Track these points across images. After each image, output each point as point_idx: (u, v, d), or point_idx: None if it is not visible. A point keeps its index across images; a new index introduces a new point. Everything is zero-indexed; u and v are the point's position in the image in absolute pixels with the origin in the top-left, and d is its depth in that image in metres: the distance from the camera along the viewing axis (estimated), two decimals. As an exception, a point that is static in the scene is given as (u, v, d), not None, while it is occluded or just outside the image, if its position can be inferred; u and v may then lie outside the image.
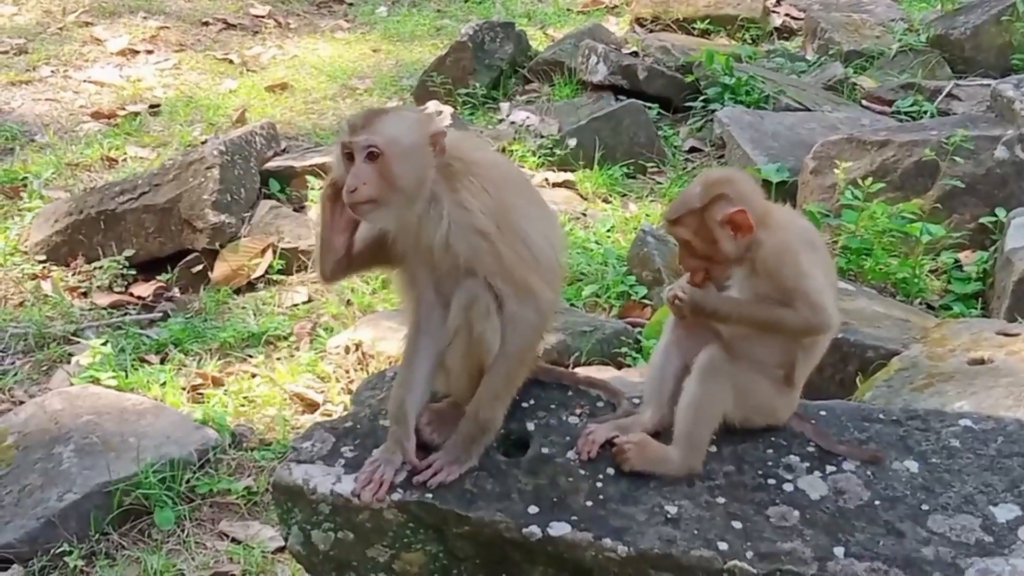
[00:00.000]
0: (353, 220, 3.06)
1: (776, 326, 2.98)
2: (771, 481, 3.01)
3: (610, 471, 3.04)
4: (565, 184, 6.84)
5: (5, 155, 7.46)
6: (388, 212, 2.98)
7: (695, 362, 3.03)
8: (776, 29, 9.76)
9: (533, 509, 2.93)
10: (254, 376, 5.20)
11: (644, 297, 5.53)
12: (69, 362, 5.33)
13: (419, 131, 2.98)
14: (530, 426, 3.19)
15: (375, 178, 2.91)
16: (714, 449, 3.09)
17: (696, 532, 2.86)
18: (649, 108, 7.73)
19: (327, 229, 3.10)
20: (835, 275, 3.25)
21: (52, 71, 8.82)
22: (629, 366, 4.97)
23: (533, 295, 3.03)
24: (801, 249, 3.00)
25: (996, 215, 5.88)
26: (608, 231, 6.29)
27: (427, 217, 2.99)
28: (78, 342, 5.49)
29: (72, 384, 5.03)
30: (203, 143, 7.39)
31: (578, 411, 3.26)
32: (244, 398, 5.03)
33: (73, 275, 6.14)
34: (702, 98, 7.87)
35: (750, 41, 9.38)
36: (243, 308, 5.77)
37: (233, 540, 4.23)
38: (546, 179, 6.88)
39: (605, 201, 6.73)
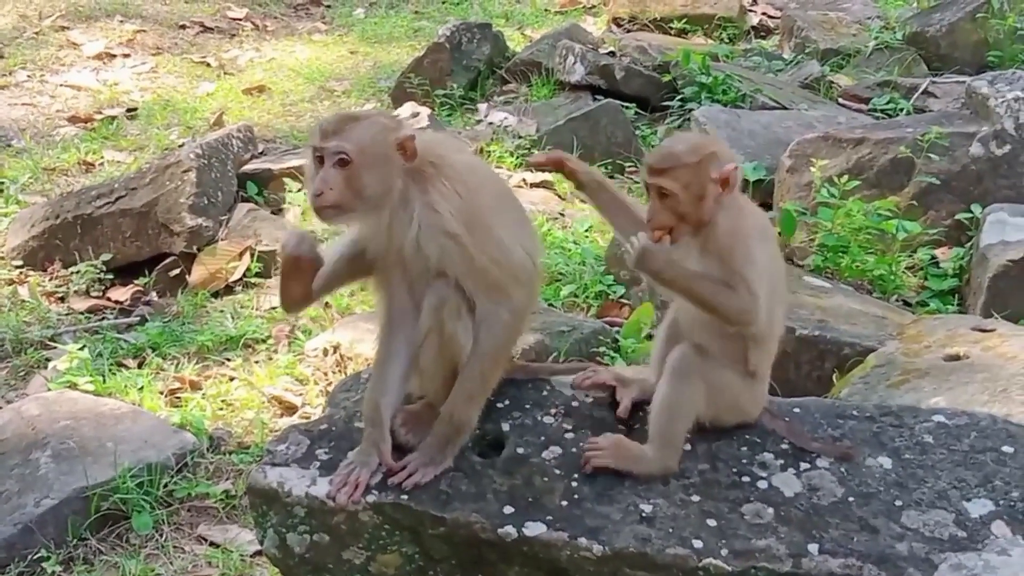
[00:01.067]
0: (311, 270, 3.13)
1: (711, 304, 2.97)
2: (745, 479, 3.02)
3: (586, 470, 3.04)
4: (543, 184, 6.84)
5: (-19, 160, 7.45)
6: (352, 217, 3.03)
7: (667, 361, 3.04)
8: (753, 28, 9.78)
9: (508, 509, 2.93)
10: (232, 379, 5.19)
11: (622, 297, 5.54)
12: (46, 367, 5.32)
13: (389, 138, 2.98)
14: (505, 426, 3.19)
15: (342, 184, 2.94)
16: (688, 447, 3.10)
17: (671, 530, 2.87)
18: (627, 108, 7.75)
19: (285, 282, 3.19)
20: (782, 275, 3.24)
21: (28, 75, 8.80)
22: (607, 365, 4.97)
23: (506, 296, 3.04)
24: (756, 236, 3.01)
25: (972, 211, 5.91)
26: (586, 231, 6.30)
27: (397, 219, 3.01)
28: (55, 347, 5.47)
29: (49, 389, 5.02)
30: (180, 146, 7.38)
31: (553, 411, 3.25)
32: (222, 402, 5.03)
33: (50, 280, 6.13)
34: (679, 97, 7.89)
35: (727, 40, 9.41)
36: (221, 311, 5.76)
37: (211, 544, 4.22)
38: (524, 179, 6.88)
39: (583, 201, 6.72)
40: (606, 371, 3.30)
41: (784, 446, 3.11)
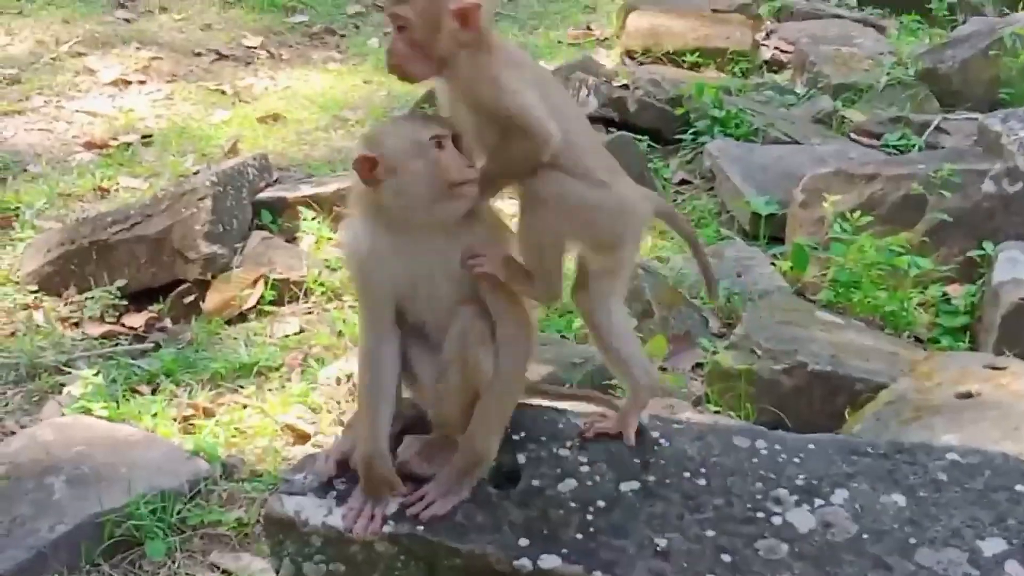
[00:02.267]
0: None
1: (511, 163, 3.01)
2: (760, 514, 3.03)
3: (601, 503, 3.06)
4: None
5: (-3, 185, 7.49)
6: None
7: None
8: (765, 62, 9.82)
9: (524, 541, 2.95)
10: (245, 407, 5.21)
11: (634, 329, 5.55)
12: (60, 392, 5.33)
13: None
14: (521, 458, 3.21)
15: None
16: (703, 483, 3.12)
17: (686, 565, 2.88)
18: (639, 140, 7.77)
19: None
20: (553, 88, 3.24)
21: (45, 101, 8.84)
22: (619, 397, 4.97)
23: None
24: (505, 66, 3.00)
25: (984, 249, 5.91)
26: (598, 263, 6.31)
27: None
28: (70, 372, 5.49)
29: (63, 414, 5.03)
30: (195, 173, 7.42)
31: (568, 444, 3.28)
32: (235, 429, 5.04)
33: (65, 305, 6.14)
34: (692, 130, 7.92)
35: (740, 74, 9.44)
36: (235, 339, 5.78)
37: (224, 572, 4.22)
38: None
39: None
40: (610, 421, 3.32)
41: (799, 482, 3.12)
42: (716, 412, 4.95)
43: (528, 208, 3.04)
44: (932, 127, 7.84)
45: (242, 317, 5.99)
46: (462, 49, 2.96)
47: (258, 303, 6.01)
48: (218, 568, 4.25)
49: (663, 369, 5.26)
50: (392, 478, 3.08)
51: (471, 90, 2.98)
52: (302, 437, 4.99)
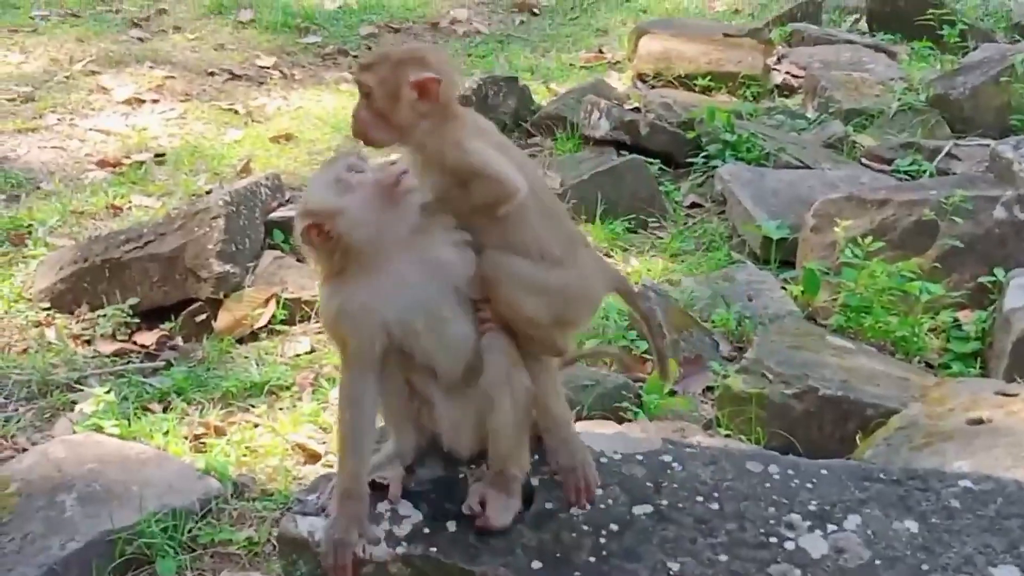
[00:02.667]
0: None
1: (474, 203, 3.01)
2: (772, 539, 3.04)
3: (614, 527, 3.06)
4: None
5: (11, 202, 7.50)
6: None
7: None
8: (777, 87, 9.83)
9: (536, 564, 2.96)
10: (256, 426, 5.22)
11: (645, 352, 5.56)
12: (72, 410, 5.35)
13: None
14: (534, 481, 3.21)
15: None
16: (716, 507, 3.12)
17: (698, 589, 2.89)
18: (651, 163, 7.79)
19: None
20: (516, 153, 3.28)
21: (58, 119, 8.88)
22: (630, 420, 5.00)
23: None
24: (468, 134, 3.03)
25: (995, 275, 5.92)
26: (610, 286, 6.31)
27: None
28: (81, 390, 5.51)
29: (75, 432, 5.05)
30: (207, 193, 7.45)
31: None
32: (246, 448, 5.05)
33: (77, 323, 6.16)
34: (703, 154, 7.93)
35: (751, 98, 9.45)
36: (246, 358, 5.80)
37: (234, 590, 4.24)
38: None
39: (607, 255, 6.77)
40: None
41: (812, 507, 3.13)
42: (727, 436, 4.95)
43: (489, 290, 3.04)
44: (943, 153, 7.85)
45: (253, 336, 6.01)
46: (423, 119, 3.00)
47: (269, 322, 6.03)
48: (228, 587, 4.26)
49: (673, 393, 5.27)
50: (363, 519, 3.07)
51: (436, 156, 2.99)
52: (313, 457, 4.99)
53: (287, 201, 7.11)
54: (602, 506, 3.13)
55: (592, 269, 3.25)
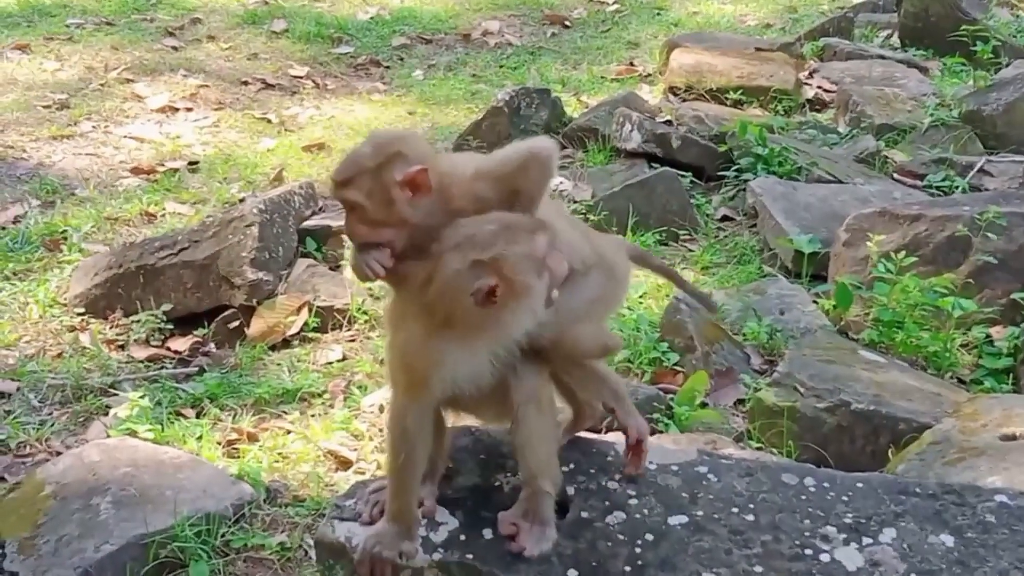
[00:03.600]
0: None
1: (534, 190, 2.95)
2: (808, 551, 3.04)
3: (649, 537, 3.07)
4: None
5: (46, 208, 7.57)
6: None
7: None
8: (808, 101, 9.81)
9: (572, 573, 2.97)
10: (289, 432, 5.25)
11: (676, 364, 5.56)
12: (106, 414, 5.39)
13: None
14: (570, 490, 3.22)
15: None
16: (752, 518, 3.12)
17: (734, 600, 2.89)
18: (682, 176, 7.79)
19: None
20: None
21: (93, 126, 8.96)
22: (661, 432, 5.00)
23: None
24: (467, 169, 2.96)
25: (1027, 291, 5.91)
26: (640, 297, 6.33)
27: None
28: (115, 394, 5.55)
29: (109, 436, 5.09)
30: (241, 200, 7.50)
31: (617, 477, 3.29)
32: (279, 454, 5.08)
33: (111, 328, 6.21)
34: (735, 168, 7.92)
35: (782, 112, 9.44)
36: (278, 365, 5.83)
37: (266, 595, 4.26)
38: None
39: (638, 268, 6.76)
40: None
41: (847, 520, 3.13)
42: (758, 448, 4.95)
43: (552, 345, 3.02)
44: (976, 169, 7.83)
45: (286, 343, 6.04)
46: (425, 203, 2.88)
47: (302, 330, 6.06)
48: (261, 592, 4.28)
49: (704, 405, 5.27)
50: (409, 539, 3.05)
51: (461, 210, 2.88)
52: (344, 463, 5.02)
53: (320, 210, 7.15)
54: (638, 516, 3.14)
55: (611, 249, 3.25)
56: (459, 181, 2.92)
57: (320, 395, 5.55)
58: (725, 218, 7.63)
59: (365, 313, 6.11)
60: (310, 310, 6.10)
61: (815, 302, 6.20)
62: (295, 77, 10.37)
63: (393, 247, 2.91)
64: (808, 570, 2.99)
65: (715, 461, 3.40)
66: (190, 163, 8.37)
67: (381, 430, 5.17)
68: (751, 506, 3.17)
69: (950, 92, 9.45)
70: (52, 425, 5.36)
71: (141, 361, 5.93)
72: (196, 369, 5.85)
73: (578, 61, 11.22)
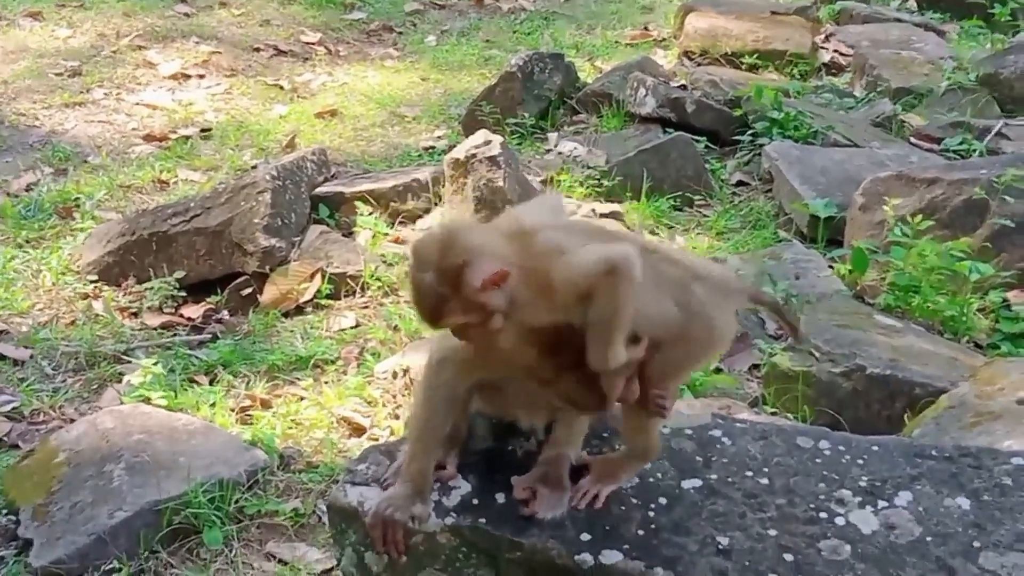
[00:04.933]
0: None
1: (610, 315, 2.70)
2: (823, 515, 3.01)
3: (663, 501, 3.05)
4: (612, 215, 6.83)
5: (59, 176, 7.56)
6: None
7: None
8: (824, 65, 9.75)
9: (585, 536, 2.94)
10: (302, 399, 5.24)
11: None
12: (120, 381, 5.39)
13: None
14: (584, 455, 3.20)
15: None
16: (766, 482, 3.10)
17: (748, 564, 2.86)
18: (697, 141, 7.74)
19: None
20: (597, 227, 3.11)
21: (105, 94, 8.94)
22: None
23: None
24: (553, 247, 2.76)
25: (1046, 255, 5.86)
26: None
27: None
28: (129, 362, 5.55)
29: (122, 403, 5.08)
30: (253, 167, 7.48)
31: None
32: (292, 420, 5.07)
33: (124, 295, 6.20)
34: (750, 132, 7.88)
35: (798, 76, 9.38)
36: (291, 331, 5.82)
37: (280, 561, 4.24)
38: (593, 210, 6.91)
39: (652, 233, 6.74)
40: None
41: (862, 483, 3.10)
42: (773, 414, 4.93)
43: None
44: (993, 132, 7.77)
45: (299, 310, 6.03)
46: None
47: (315, 297, 6.05)
48: (274, 557, 4.27)
49: (719, 370, 5.25)
50: (422, 502, 3.02)
51: (549, 301, 2.71)
52: (358, 430, 5.01)
53: (332, 176, 7.14)
54: (651, 480, 3.12)
55: (713, 301, 2.96)
56: (542, 263, 2.72)
57: (333, 362, 5.53)
58: (740, 183, 7.59)
59: (378, 280, 6.09)
60: (323, 277, 6.08)
61: (831, 267, 6.17)
62: (307, 43, 10.33)
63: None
64: (823, 533, 2.96)
65: (729, 425, 3.38)
66: (202, 130, 8.35)
67: (394, 396, 5.17)
68: (765, 470, 3.15)
69: (967, 55, 9.37)
70: (66, 392, 5.37)
71: (154, 328, 5.92)
72: (209, 336, 5.85)
73: (592, 26, 11.16)
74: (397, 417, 5.00)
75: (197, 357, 5.58)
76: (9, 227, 6.79)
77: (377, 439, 4.87)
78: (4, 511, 4.47)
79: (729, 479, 3.14)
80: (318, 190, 6.86)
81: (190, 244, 6.30)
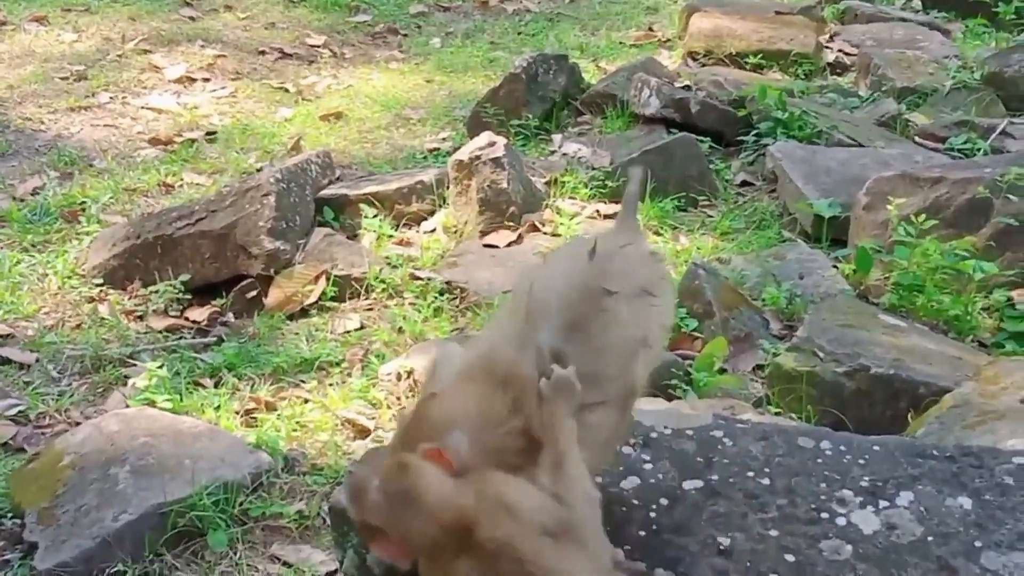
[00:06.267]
0: None
1: None
2: (824, 515, 3.02)
3: (664, 501, 3.05)
4: (616, 216, 6.82)
5: (64, 179, 7.58)
6: None
7: None
8: (829, 64, 9.74)
9: (586, 537, 2.95)
10: (306, 401, 5.25)
11: (695, 330, 5.54)
12: (125, 384, 5.41)
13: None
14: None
15: None
16: (767, 482, 3.11)
17: (749, 564, 2.87)
18: (701, 141, 7.73)
19: None
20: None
21: (111, 97, 8.95)
22: (680, 398, 4.98)
23: None
24: None
25: (1050, 254, 5.85)
26: (659, 263, 6.29)
27: None
28: (134, 365, 5.56)
29: (128, 406, 5.10)
30: (258, 170, 7.48)
31: (631, 442, 3.27)
32: (296, 423, 5.08)
33: (129, 299, 6.21)
34: (754, 132, 7.86)
35: (803, 76, 9.36)
36: (296, 334, 5.83)
37: (284, 564, 4.26)
38: (597, 211, 6.92)
39: (656, 234, 6.74)
40: None
41: (864, 483, 3.10)
42: (777, 414, 4.93)
43: None
44: (998, 131, 7.75)
45: (304, 313, 6.04)
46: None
47: (319, 299, 6.06)
48: (279, 560, 4.29)
49: (723, 371, 5.25)
50: None
51: None
52: (362, 432, 5.02)
53: (337, 179, 7.17)
54: (652, 481, 3.12)
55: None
56: None
57: (338, 364, 5.55)
58: (744, 183, 7.58)
59: (383, 282, 6.10)
60: (328, 279, 6.09)
61: (835, 266, 6.17)
62: (312, 46, 10.34)
63: None
64: (824, 533, 2.96)
65: (730, 425, 3.38)
66: (208, 133, 8.36)
67: (399, 398, 5.18)
68: (766, 470, 3.15)
69: (972, 54, 9.37)
70: (71, 396, 5.38)
71: (159, 331, 5.94)
72: (214, 339, 5.86)
73: (596, 27, 11.15)
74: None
75: (202, 360, 5.59)
76: (15, 231, 6.80)
77: (381, 441, 4.88)
78: (9, 514, 4.49)
79: (730, 479, 3.14)
80: (322, 193, 6.87)
81: (195, 247, 6.31)
